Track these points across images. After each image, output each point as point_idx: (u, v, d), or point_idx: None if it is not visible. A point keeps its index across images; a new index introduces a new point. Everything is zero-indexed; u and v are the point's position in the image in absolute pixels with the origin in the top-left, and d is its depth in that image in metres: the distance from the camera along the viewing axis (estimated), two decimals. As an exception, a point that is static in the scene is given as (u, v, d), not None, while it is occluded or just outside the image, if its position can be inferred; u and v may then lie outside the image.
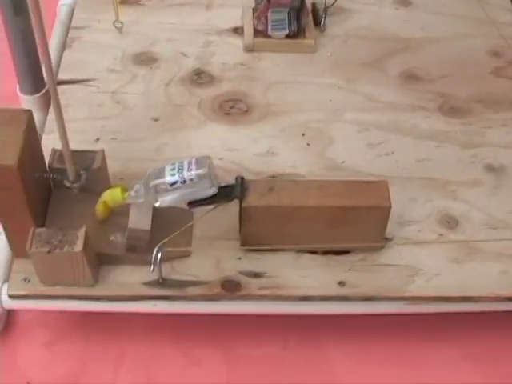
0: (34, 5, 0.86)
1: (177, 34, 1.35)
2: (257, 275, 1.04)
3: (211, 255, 1.05)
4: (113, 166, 1.10)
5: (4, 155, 0.92)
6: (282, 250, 1.05)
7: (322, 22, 1.35)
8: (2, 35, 1.53)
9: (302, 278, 1.04)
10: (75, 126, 1.05)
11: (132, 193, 1.01)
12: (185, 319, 1.13)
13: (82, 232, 0.97)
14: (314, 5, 1.36)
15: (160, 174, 0.99)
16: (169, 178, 0.98)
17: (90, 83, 1.25)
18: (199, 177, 0.98)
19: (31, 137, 0.97)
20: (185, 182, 0.98)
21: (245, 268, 1.04)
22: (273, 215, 1.01)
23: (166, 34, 1.34)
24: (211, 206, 1.01)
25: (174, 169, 0.99)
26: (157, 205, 1.00)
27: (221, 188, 1.00)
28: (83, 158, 1.04)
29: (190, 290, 1.02)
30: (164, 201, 1.00)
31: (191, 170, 0.98)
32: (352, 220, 1.02)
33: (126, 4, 1.37)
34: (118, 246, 1.04)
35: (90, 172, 1.03)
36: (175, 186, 0.98)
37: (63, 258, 0.97)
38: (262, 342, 1.13)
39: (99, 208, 1.03)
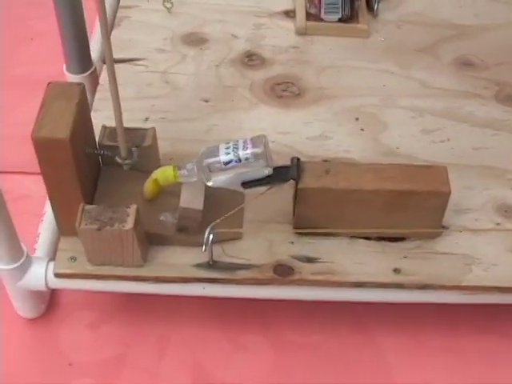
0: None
1: (227, 15, 1.32)
2: (310, 260, 1.01)
3: (263, 238, 1.03)
4: (162, 147, 1.07)
5: (56, 129, 0.90)
6: (336, 234, 1.02)
7: (376, 7, 1.31)
8: (48, 14, 1.53)
9: (356, 265, 1.01)
10: (123, 105, 1.02)
11: (184, 171, 0.98)
12: (232, 304, 1.10)
13: (132, 209, 0.95)
14: (367, -12, 1.33)
15: (214, 152, 0.97)
16: (223, 157, 0.96)
17: (139, 63, 1.23)
18: (255, 156, 0.95)
19: (83, 111, 0.95)
20: (240, 161, 0.95)
21: (298, 252, 1.01)
22: (329, 198, 0.98)
23: (216, 16, 1.32)
24: (265, 187, 0.99)
25: (228, 147, 0.96)
26: (210, 184, 0.98)
27: (275, 169, 0.98)
28: (134, 135, 1.02)
29: (241, 274, 1.00)
30: (217, 180, 0.98)
31: (247, 148, 0.95)
32: (409, 205, 0.98)
33: (176, -15, 1.35)
34: (168, 226, 1.02)
35: (140, 150, 1.01)
36: (230, 166, 0.96)
37: (113, 236, 0.95)
38: (312, 330, 1.10)
39: (148, 186, 1.01)
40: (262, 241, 1.03)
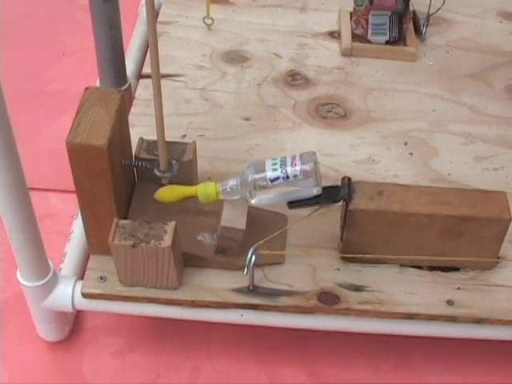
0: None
1: (269, 34, 1.27)
2: (357, 288, 0.94)
3: (306, 264, 0.96)
4: (200, 165, 1.02)
5: (93, 136, 0.84)
6: (385, 262, 0.95)
7: (424, 31, 1.26)
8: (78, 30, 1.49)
9: (406, 295, 0.93)
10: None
11: (227, 188, 0.92)
12: (269, 333, 1.03)
13: (170, 226, 0.88)
14: (414, 13, 1.27)
15: (260, 168, 0.91)
16: (270, 173, 0.89)
17: (177, 79, 1.17)
18: (304, 173, 0.89)
19: (122, 120, 0.90)
20: (287, 178, 0.89)
21: (344, 280, 0.94)
22: (381, 221, 0.91)
23: (258, 34, 1.27)
24: (312, 208, 0.93)
25: (275, 163, 0.90)
26: (253, 202, 0.91)
27: (325, 189, 0.91)
28: (173, 149, 0.96)
29: (283, 301, 0.93)
30: (262, 199, 0.91)
31: (295, 165, 0.89)
32: (466, 232, 0.92)
33: (216, 2, 1.30)
34: (206, 247, 0.95)
35: (179, 164, 0.95)
36: (276, 183, 0.89)
37: (148, 254, 0.88)
38: (353, 364, 1.03)
39: (165, 193, 0.94)
40: (306, 266, 0.96)
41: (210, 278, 0.94)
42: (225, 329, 1.03)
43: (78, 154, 0.84)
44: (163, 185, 0.94)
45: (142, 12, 1.40)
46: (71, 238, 1.07)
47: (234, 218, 0.92)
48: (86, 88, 0.90)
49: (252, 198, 0.91)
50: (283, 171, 0.89)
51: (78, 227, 1.08)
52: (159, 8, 1.35)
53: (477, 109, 1.17)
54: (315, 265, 0.96)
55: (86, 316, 1.06)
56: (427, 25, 1.26)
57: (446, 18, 1.31)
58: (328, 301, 0.93)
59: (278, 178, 0.89)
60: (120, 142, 0.89)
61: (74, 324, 1.05)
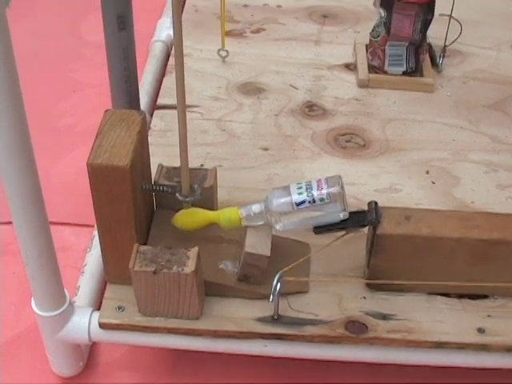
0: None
1: (284, 66, 1.26)
2: (385, 317, 0.91)
3: (332, 293, 0.93)
4: (218, 194, 0.99)
5: (115, 156, 0.82)
6: (413, 290, 0.92)
7: (441, 62, 1.25)
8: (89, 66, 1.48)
9: (435, 323, 0.90)
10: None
11: (251, 214, 0.89)
12: (292, 365, 1.00)
13: (193, 252, 0.85)
14: (430, 45, 1.27)
15: (285, 192, 0.88)
16: (296, 197, 0.87)
17: (193, 109, 1.16)
18: (331, 196, 0.86)
19: (143, 142, 0.88)
20: (314, 202, 0.86)
21: (371, 308, 0.91)
22: (409, 247, 0.88)
23: (273, 67, 1.26)
24: (337, 235, 0.90)
25: (301, 187, 0.88)
26: (278, 228, 0.89)
27: (351, 213, 0.89)
28: (194, 175, 0.94)
29: (309, 330, 0.89)
30: (287, 224, 0.89)
31: (321, 188, 0.87)
32: (496, 257, 0.89)
33: (230, 36, 1.29)
34: (228, 275, 0.92)
35: (200, 197, 0.93)
36: (302, 207, 0.87)
37: (170, 281, 0.85)
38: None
39: (190, 217, 0.91)
40: (331, 295, 0.93)
41: (233, 308, 0.91)
42: (245, 363, 1.00)
43: (99, 176, 0.82)
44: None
45: (154, 48, 1.40)
46: (84, 270, 1.04)
47: (258, 245, 0.89)
48: (106, 110, 0.88)
49: (276, 223, 0.88)
50: (309, 195, 0.87)
51: (91, 260, 1.05)
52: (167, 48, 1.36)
53: (497, 138, 1.15)
54: (340, 293, 0.93)
55: (101, 351, 1.02)
56: (444, 56, 1.25)
57: (461, 51, 1.31)
58: (355, 330, 0.90)
59: (303, 202, 0.87)
60: (141, 165, 0.87)
61: (88, 359, 1.01)
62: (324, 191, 0.87)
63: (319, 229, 0.89)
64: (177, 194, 0.90)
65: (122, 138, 0.84)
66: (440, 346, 0.89)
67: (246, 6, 1.40)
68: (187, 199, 0.89)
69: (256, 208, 0.89)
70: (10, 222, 1.17)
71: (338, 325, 0.90)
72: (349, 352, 0.91)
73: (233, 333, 0.90)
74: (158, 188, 0.90)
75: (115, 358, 1.02)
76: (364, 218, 0.89)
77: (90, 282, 1.02)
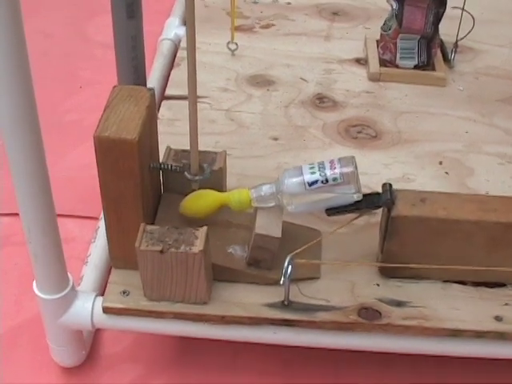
0: None
1: (294, 60, 1.24)
2: (399, 304, 0.87)
3: (344, 280, 0.90)
4: (228, 182, 0.96)
5: (123, 130, 0.79)
6: (428, 276, 0.89)
7: (452, 57, 1.23)
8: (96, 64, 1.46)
9: (452, 310, 0.87)
10: (185, 141, 0.93)
11: (261, 194, 0.87)
12: (299, 358, 0.96)
13: (202, 232, 0.83)
14: (441, 41, 1.25)
15: (297, 173, 0.86)
16: (308, 177, 0.84)
17: (202, 100, 1.13)
18: (344, 176, 0.84)
19: (152, 118, 0.85)
20: (327, 181, 0.84)
21: (384, 295, 0.88)
22: (424, 230, 0.85)
23: (283, 60, 1.24)
24: (349, 218, 0.87)
25: (313, 167, 0.85)
26: (290, 209, 0.86)
27: (365, 196, 0.86)
28: (203, 157, 0.91)
29: (321, 316, 0.86)
30: (299, 205, 0.86)
31: (334, 168, 0.84)
32: (515, 243, 0.86)
33: (239, 30, 1.27)
34: (237, 259, 0.89)
35: (209, 176, 0.90)
36: (314, 187, 0.84)
37: (177, 261, 0.82)
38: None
39: (199, 199, 0.89)
40: (343, 282, 0.90)
41: (242, 293, 0.88)
42: (252, 353, 0.96)
43: (106, 150, 0.79)
44: (190, 192, 0.89)
45: (161, 45, 1.38)
46: (88, 261, 1.01)
47: (268, 226, 0.86)
48: (114, 86, 0.86)
49: (288, 204, 0.86)
50: (322, 174, 0.84)
51: (95, 250, 1.02)
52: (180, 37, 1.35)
53: (510, 131, 1.13)
54: (353, 280, 0.90)
55: (104, 341, 0.99)
56: (456, 51, 1.23)
57: (473, 48, 1.29)
58: (369, 316, 0.86)
59: (316, 182, 0.84)
60: (149, 142, 0.85)
61: (91, 349, 0.98)
62: (337, 171, 0.84)
63: (332, 210, 0.86)
64: (185, 173, 0.87)
65: (131, 113, 0.82)
66: (456, 333, 0.86)
67: (255, 2, 1.38)
68: (196, 178, 0.87)
69: (267, 188, 0.86)
70: (11, 214, 1.17)
71: (351, 311, 0.87)
72: (362, 340, 0.87)
73: (241, 318, 0.86)
74: (166, 166, 0.87)
75: (119, 349, 0.99)
76: (378, 200, 0.86)
77: (93, 272, 0.99)
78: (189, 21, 0.81)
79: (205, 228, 0.83)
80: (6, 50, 0.67)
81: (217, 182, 0.91)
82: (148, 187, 0.86)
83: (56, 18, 1.58)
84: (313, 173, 0.84)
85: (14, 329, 1.01)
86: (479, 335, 0.86)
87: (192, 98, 0.84)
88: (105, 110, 0.82)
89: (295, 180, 0.85)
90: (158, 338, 0.98)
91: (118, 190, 0.82)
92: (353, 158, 0.86)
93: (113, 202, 0.84)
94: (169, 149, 0.93)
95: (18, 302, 1.04)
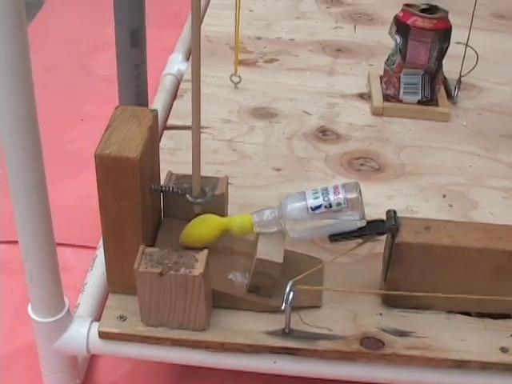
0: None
1: (297, 94, 1.24)
2: (402, 334, 0.85)
3: (346, 309, 0.88)
4: (229, 211, 0.95)
5: (124, 148, 0.79)
6: (432, 307, 0.87)
7: (456, 93, 1.23)
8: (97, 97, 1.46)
9: (456, 341, 0.85)
10: (186, 169, 0.93)
11: (264, 219, 0.85)
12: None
13: (202, 255, 0.81)
14: (444, 78, 1.25)
15: (300, 197, 0.84)
16: (311, 202, 0.83)
17: (204, 130, 1.13)
18: (348, 202, 0.83)
19: (154, 139, 0.84)
20: (330, 206, 0.83)
21: (387, 325, 0.86)
22: (429, 257, 0.84)
23: (286, 94, 1.24)
24: (351, 247, 0.86)
25: (316, 192, 0.84)
26: (293, 235, 0.85)
27: (369, 222, 0.85)
28: (205, 183, 0.90)
29: (323, 344, 0.84)
30: (301, 231, 0.85)
31: (338, 193, 0.83)
32: (522, 272, 0.85)
33: (243, 64, 1.28)
34: (238, 286, 0.87)
35: (211, 200, 0.89)
36: (318, 212, 0.83)
37: (176, 285, 0.80)
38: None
39: (200, 225, 0.87)
40: (345, 311, 0.88)
41: (241, 320, 0.86)
42: (253, 382, 0.94)
43: (107, 168, 0.78)
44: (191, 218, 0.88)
45: (164, 80, 1.38)
46: (85, 289, 0.99)
47: (270, 251, 0.85)
48: (117, 107, 0.86)
49: (291, 230, 0.84)
50: (325, 199, 0.83)
51: (92, 279, 1.01)
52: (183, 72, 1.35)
53: (515, 166, 1.13)
54: (355, 309, 0.88)
55: (100, 369, 0.97)
56: (459, 87, 1.23)
57: (476, 85, 1.29)
58: (371, 346, 0.84)
59: (319, 207, 0.83)
60: (151, 163, 0.84)
61: (85, 377, 0.95)
62: (341, 196, 0.83)
63: (335, 236, 0.85)
64: (187, 195, 0.86)
65: (133, 132, 0.81)
66: (462, 364, 0.84)
67: (259, 38, 1.39)
68: (198, 200, 0.86)
69: (269, 213, 0.85)
70: (8, 242, 1.15)
71: (353, 340, 0.84)
72: (364, 371, 0.85)
73: (241, 346, 0.84)
74: (167, 189, 0.86)
75: (114, 378, 0.96)
76: (382, 226, 0.85)
77: (90, 300, 0.97)
78: (194, 50, 0.81)
79: (205, 251, 0.81)
80: (13, 83, 0.68)
81: (218, 207, 0.89)
82: (148, 209, 0.85)
83: (60, 51, 1.59)
84: (316, 198, 0.83)
85: (8, 356, 0.99)
86: (485, 366, 0.84)
87: (196, 118, 0.83)
88: (107, 130, 0.81)
89: (298, 205, 0.84)
90: (156, 366, 0.96)
91: (118, 211, 0.81)
92: (357, 183, 0.85)
93: (112, 223, 0.82)
94: (170, 173, 0.92)
95: (13, 329, 1.02)
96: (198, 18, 0.79)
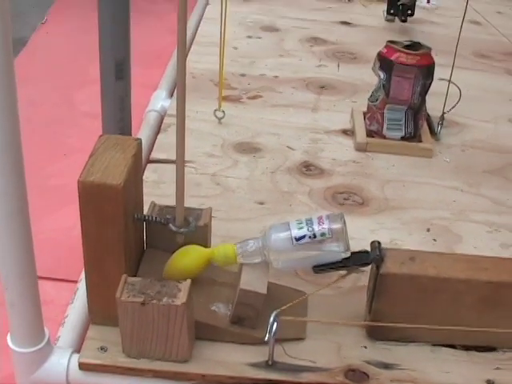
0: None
1: (281, 129, 1.24)
2: (387, 366, 0.85)
3: (330, 341, 0.87)
4: (212, 243, 0.94)
5: (108, 175, 0.78)
6: (417, 339, 0.87)
7: (439, 130, 1.24)
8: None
9: (442, 373, 0.84)
10: (169, 202, 0.92)
11: (247, 249, 0.84)
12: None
13: (185, 285, 0.80)
14: (427, 114, 1.26)
15: (284, 227, 0.84)
16: (295, 232, 0.83)
17: (187, 164, 1.12)
18: (332, 232, 0.82)
19: (137, 167, 0.84)
20: (315, 237, 0.82)
21: (372, 357, 0.85)
22: (414, 288, 0.83)
23: (270, 129, 1.24)
24: (334, 278, 0.85)
25: (301, 223, 0.84)
26: (276, 266, 0.84)
27: (353, 253, 0.84)
28: (188, 214, 0.90)
29: (306, 376, 0.83)
30: (286, 261, 0.84)
31: (322, 223, 0.83)
32: (506, 303, 0.84)
33: (227, 100, 1.28)
34: (221, 317, 0.86)
35: (194, 230, 0.88)
36: (302, 242, 0.82)
37: (159, 314, 0.79)
38: None
39: (183, 256, 0.86)
40: (330, 343, 0.87)
41: (224, 352, 0.85)
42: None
43: (90, 196, 0.77)
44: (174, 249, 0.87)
45: (148, 117, 1.38)
46: (66, 321, 0.97)
47: (254, 282, 0.84)
48: (101, 135, 0.85)
49: (275, 260, 0.84)
50: (310, 229, 0.82)
51: (73, 311, 0.99)
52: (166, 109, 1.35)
53: (498, 201, 1.13)
54: (340, 342, 0.87)
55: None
56: (442, 124, 1.24)
57: (459, 122, 1.30)
58: (356, 378, 0.83)
59: (303, 237, 0.82)
60: (134, 191, 0.83)
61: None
62: (325, 226, 0.82)
63: (319, 267, 0.84)
64: (170, 225, 0.85)
65: (117, 160, 0.80)
66: (448, 397, 0.83)
67: (242, 75, 1.40)
68: (181, 230, 0.85)
69: (253, 244, 0.84)
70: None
71: (338, 372, 0.83)
72: (349, 404, 0.84)
73: (223, 377, 0.83)
74: (151, 218, 0.86)
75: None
76: (367, 257, 0.84)
77: (70, 332, 0.95)
78: (179, 83, 0.81)
79: (188, 281, 0.80)
80: None
81: (202, 238, 0.89)
82: (131, 238, 0.84)
83: (44, 86, 1.59)
84: (300, 228, 0.83)
85: (-15, 390, 0.97)
86: (472, 400, 0.83)
87: (180, 147, 0.83)
88: (90, 157, 0.81)
89: (282, 235, 0.83)
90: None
91: (101, 239, 0.80)
92: (341, 214, 0.84)
93: (94, 251, 0.81)
94: (153, 204, 0.91)
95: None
96: (183, 52, 0.79)
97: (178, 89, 0.82)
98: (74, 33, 1.88)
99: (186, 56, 0.83)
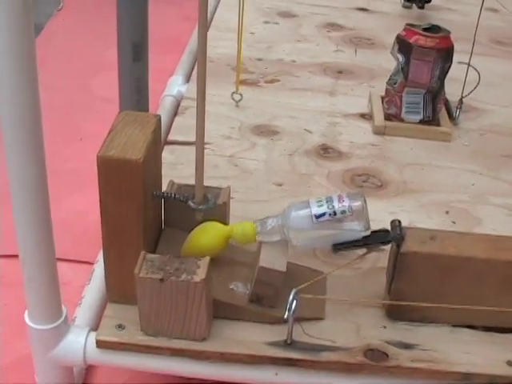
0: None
1: (298, 113, 1.24)
2: (407, 346, 0.84)
3: (349, 321, 0.86)
4: (230, 223, 0.94)
5: (127, 150, 0.78)
6: (437, 320, 0.86)
7: (457, 114, 1.23)
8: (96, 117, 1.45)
9: (462, 354, 0.83)
10: (187, 182, 0.92)
11: (267, 227, 0.84)
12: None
13: (204, 261, 0.80)
14: (446, 99, 1.25)
15: (303, 205, 0.83)
16: (315, 209, 0.82)
17: (205, 146, 1.12)
18: (352, 210, 0.81)
19: (157, 143, 0.83)
20: (335, 214, 0.81)
21: (392, 337, 0.84)
22: (434, 267, 0.83)
23: (287, 112, 1.24)
24: (359, 252, 0.85)
25: (321, 200, 0.83)
26: (296, 243, 0.83)
27: (373, 232, 0.84)
28: (208, 191, 0.89)
29: (326, 356, 0.82)
30: (306, 240, 0.83)
31: (343, 201, 0.82)
32: (528, 284, 0.84)
33: (244, 84, 1.28)
34: (239, 296, 0.86)
35: (213, 207, 0.88)
36: (322, 220, 0.82)
37: (178, 291, 0.78)
38: None
39: (201, 234, 0.86)
40: (349, 323, 0.86)
41: (242, 331, 0.84)
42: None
43: (109, 171, 0.77)
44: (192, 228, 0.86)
45: (164, 101, 1.38)
46: (82, 301, 0.97)
47: (273, 260, 0.83)
48: (120, 112, 0.85)
49: (294, 238, 0.83)
50: (330, 207, 0.82)
51: (89, 292, 0.99)
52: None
53: (518, 185, 1.12)
54: (359, 322, 0.86)
55: (97, 381, 0.94)
56: (460, 107, 1.23)
57: (477, 107, 1.30)
58: (376, 358, 0.82)
59: (323, 215, 0.82)
60: (154, 167, 0.83)
61: (81, 389, 0.93)
62: (346, 204, 0.82)
63: (339, 246, 0.83)
64: (189, 202, 0.85)
65: (136, 136, 0.80)
66: (468, 377, 0.82)
67: (260, 59, 1.39)
68: (200, 207, 0.84)
69: (272, 222, 0.84)
70: (4, 256, 1.14)
71: (357, 352, 0.83)
72: (368, 383, 0.83)
73: (242, 356, 0.82)
74: (169, 195, 0.85)
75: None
76: (387, 235, 0.83)
77: (87, 312, 0.96)
78: (199, 63, 0.80)
79: (207, 258, 0.80)
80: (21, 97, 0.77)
81: (220, 216, 0.88)
82: (150, 215, 0.83)
83: (60, 71, 1.59)
84: (320, 205, 0.82)
85: (2, 369, 0.96)
86: (491, 379, 0.82)
87: (200, 122, 0.82)
88: (109, 133, 0.80)
89: (302, 212, 0.82)
90: (154, 377, 0.94)
91: (119, 215, 0.80)
92: (361, 192, 0.84)
93: (113, 228, 0.81)
94: (172, 182, 0.91)
95: (7, 342, 1.00)
96: (204, 33, 0.79)
97: (199, 68, 0.81)
98: (89, 19, 1.88)
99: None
